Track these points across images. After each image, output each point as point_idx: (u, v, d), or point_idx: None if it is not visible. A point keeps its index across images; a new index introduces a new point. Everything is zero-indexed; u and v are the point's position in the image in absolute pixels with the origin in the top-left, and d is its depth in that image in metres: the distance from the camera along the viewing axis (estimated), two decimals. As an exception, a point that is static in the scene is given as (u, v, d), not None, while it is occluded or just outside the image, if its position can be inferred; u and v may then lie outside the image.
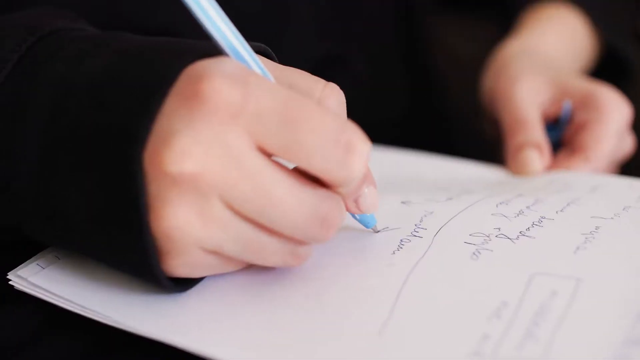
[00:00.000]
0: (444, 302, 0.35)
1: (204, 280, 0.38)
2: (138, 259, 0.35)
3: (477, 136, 0.72)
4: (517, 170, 0.54)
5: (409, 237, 0.40)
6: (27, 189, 0.36)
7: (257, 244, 0.35)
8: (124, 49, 0.37)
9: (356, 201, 0.38)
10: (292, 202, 0.34)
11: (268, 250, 0.36)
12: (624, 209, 0.43)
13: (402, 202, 0.45)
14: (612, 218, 0.41)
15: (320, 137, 0.33)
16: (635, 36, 0.76)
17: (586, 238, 0.39)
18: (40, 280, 0.38)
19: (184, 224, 0.34)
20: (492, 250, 0.38)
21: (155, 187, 0.33)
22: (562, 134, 0.56)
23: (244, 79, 0.34)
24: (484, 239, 0.39)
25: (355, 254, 0.40)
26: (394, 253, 0.39)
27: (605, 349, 0.32)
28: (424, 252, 0.39)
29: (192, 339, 0.34)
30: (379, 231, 0.42)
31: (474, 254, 0.38)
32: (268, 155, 0.34)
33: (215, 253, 0.36)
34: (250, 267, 0.38)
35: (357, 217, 0.41)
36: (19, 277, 0.38)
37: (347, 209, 0.38)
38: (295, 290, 0.37)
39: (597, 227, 0.40)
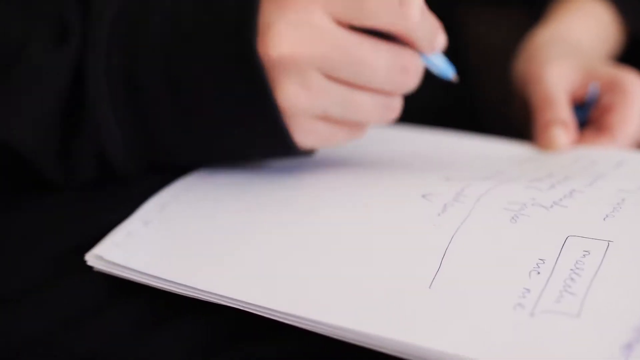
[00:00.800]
0: (487, 258, 0.38)
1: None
2: (274, 132, 0.44)
3: (505, 122, 0.75)
4: (545, 145, 0.56)
5: (452, 202, 0.43)
6: (160, 85, 0.44)
7: (356, 102, 0.44)
8: None
9: (432, 47, 0.46)
10: (374, 58, 0.43)
11: (366, 106, 0.45)
12: None
13: (444, 177, 0.47)
14: (636, 191, 0.44)
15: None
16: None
17: (614, 208, 0.42)
18: (116, 256, 0.41)
19: (292, 97, 0.43)
20: (529, 216, 0.41)
21: (267, 71, 0.42)
22: (588, 115, 0.59)
23: None
24: (521, 206, 0.42)
25: (403, 215, 0.43)
26: (439, 215, 0.42)
27: (636, 304, 0.34)
28: (467, 215, 0.42)
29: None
30: (457, 81, 0.49)
31: (512, 218, 0.41)
32: (347, 27, 0.43)
33: (323, 119, 0.45)
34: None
35: (436, 70, 0.48)
36: (96, 256, 0.41)
37: (426, 52, 0.46)
38: (347, 244, 0.40)
39: (623, 199, 0.43)
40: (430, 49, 0.46)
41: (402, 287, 0.37)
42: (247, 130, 0.45)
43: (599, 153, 0.53)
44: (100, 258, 0.41)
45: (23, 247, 0.45)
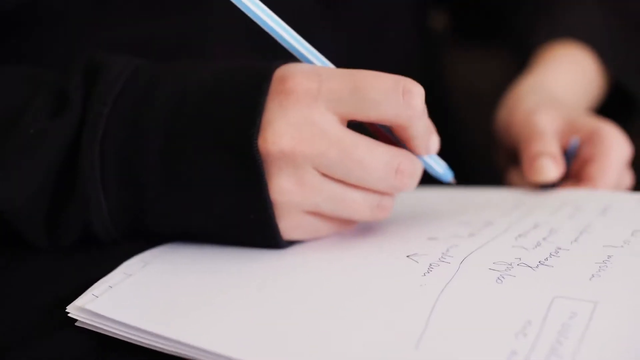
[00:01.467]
0: (473, 319, 0.38)
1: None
2: (264, 226, 0.44)
3: (490, 167, 0.75)
4: (533, 175, 0.56)
5: (437, 262, 0.43)
6: (155, 173, 0.44)
7: (348, 199, 0.44)
8: (218, 66, 0.46)
9: (427, 148, 0.47)
10: (370, 159, 0.43)
11: (357, 204, 0.45)
12: (632, 234, 0.45)
13: (429, 239, 0.47)
14: (622, 246, 0.44)
15: (381, 90, 0.42)
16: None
17: (599, 267, 0.41)
18: (97, 307, 0.40)
19: (286, 191, 0.43)
20: (515, 276, 0.41)
21: (264, 165, 0.42)
22: (569, 168, 0.59)
23: (316, 71, 0.43)
24: (507, 267, 0.42)
25: (387, 275, 0.42)
26: (424, 275, 0.42)
27: None
28: (452, 275, 0.41)
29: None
30: (456, 183, 0.51)
31: (498, 278, 0.41)
32: (345, 123, 0.43)
33: (313, 213, 0.45)
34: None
35: (436, 173, 0.49)
36: (77, 307, 0.41)
37: (422, 155, 0.47)
38: (331, 304, 0.40)
39: (609, 256, 0.43)
40: (425, 148, 0.47)
41: (387, 349, 0.36)
42: (237, 220, 0.45)
43: (584, 197, 0.53)
44: (81, 309, 0.41)
45: (6, 302, 0.44)
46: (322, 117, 0.43)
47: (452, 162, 0.83)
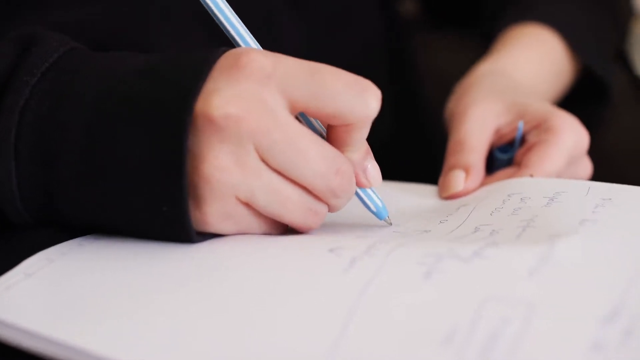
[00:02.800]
0: (394, 325, 0.33)
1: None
2: (173, 205, 0.39)
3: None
4: (441, 190, 0.54)
5: (361, 257, 0.38)
6: (73, 154, 0.40)
7: (283, 195, 0.40)
8: (161, 54, 0.42)
9: (364, 172, 0.43)
10: (314, 152, 0.40)
11: (292, 202, 0.41)
12: (580, 224, 0.41)
13: (357, 237, 0.43)
14: (567, 236, 0.39)
15: (341, 82, 0.39)
16: (616, 56, 0.76)
17: (541, 259, 0.37)
18: None
19: (224, 167, 0.39)
20: (444, 272, 0.36)
21: (202, 134, 0.38)
22: (515, 154, 0.56)
23: (272, 53, 0.40)
24: (436, 259, 0.37)
25: (303, 272, 0.38)
26: (345, 271, 0.37)
27: None
28: (375, 272, 0.37)
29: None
30: (391, 224, 0.46)
31: (425, 274, 0.36)
32: (294, 115, 0.40)
33: (246, 204, 0.40)
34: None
35: (374, 208, 0.45)
36: None
37: (359, 184, 0.43)
38: (240, 305, 0.36)
39: (552, 247, 0.38)
40: (360, 165, 0.43)
41: (297, 353, 0.32)
42: (151, 210, 0.40)
43: (531, 185, 0.49)
44: None
45: None
46: (272, 97, 0.39)
47: (421, 150, 0.80)
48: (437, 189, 0.55)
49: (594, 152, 0.57)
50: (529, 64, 0.65)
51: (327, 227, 0.45)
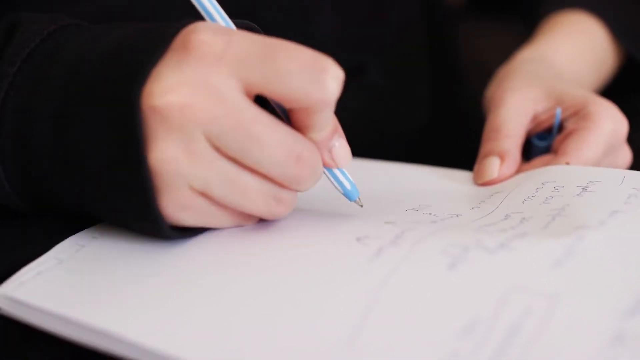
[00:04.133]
0: (415, 315, 0.33)
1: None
2: (138, 193, 0.37)
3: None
4: (476, 177, 0.52)
5: (388, 246, 0.38)
6: (45, 144, 0.39)
7: (241, 184, 0.38)
8: (135, 26, 0.40)
9: (330, 152, 0.40)
10: (269, 138, 0.37)
11: (251, 190, 0.38)
12: (610, 215, 0.40)
13: (386, 222, 0.42)
14: (597, 227, 0.38)
15: (297, 63, 0.36)
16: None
17: (567, 251, 0.36)
18: (21, 294, 0.37)
19: (171, 158, 0.36)
20: (469, 263, 0.36)
21: (147, 125, 0.36)
22: (553, 141, 0.54)
23: (226, 31, 0.37)
24: (462, 250, 0.37)
25: (324, 262, 0.37)
26: (371, 261, 0.37)
27: None
28: (399, 262, 0.36)
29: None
30: (362, 205, 0.43)
31: (450, 265, 0.36)
32: (251, 97, 0.37)
33: (203, 195, 0.38)
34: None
35: (342, 190, 0.42)
36: (1, 295, 0.37)
37: (325, 164, 0.40)
38: (265, 293, 0.35)
39: (580, 238, 0.37)
40: (325, 147, 0.40)
41: (319, 344, 0.32)
42: (113, 190, 0.38)
43: (566, 173, 0.47)
44: (5, 296, 0.37)
45: None
46: (222, 81, 0.36)
47: (459, 137, 0.79)
48: (472, 175, 0.54)
49: (633, 141, 0.55)
50: (570, 51, 0.63)
51: (355, 210, 0.44)
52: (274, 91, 0.37)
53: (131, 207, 0.38)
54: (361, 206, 0.43)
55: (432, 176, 0.53)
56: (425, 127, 0.74)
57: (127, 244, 0.40)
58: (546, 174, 0.48)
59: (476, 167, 0.53)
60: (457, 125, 0.79)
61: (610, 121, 0.51)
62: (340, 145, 0.40)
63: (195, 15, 0.41)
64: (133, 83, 0.36)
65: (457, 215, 0.44)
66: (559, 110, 0.53)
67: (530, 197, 0.45)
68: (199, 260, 0.39)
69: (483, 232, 0.40)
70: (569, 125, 0.53)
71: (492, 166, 0.51)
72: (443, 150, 0.70)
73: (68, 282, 0.38)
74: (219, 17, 0.40)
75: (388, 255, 0.37)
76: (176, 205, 0.38)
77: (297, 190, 0.40)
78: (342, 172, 0.42)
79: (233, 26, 0.40)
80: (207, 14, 0.40)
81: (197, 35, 0.37)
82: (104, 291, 0.37)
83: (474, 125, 0.80)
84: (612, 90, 0.68)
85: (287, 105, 0.38)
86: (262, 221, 0.42)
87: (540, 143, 0.54)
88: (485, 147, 0.53)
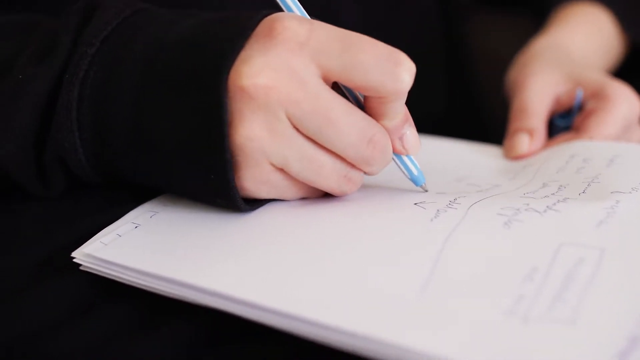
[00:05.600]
0: (480, 264, 0.36)
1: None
2: (217, 174, 0.39)
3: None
4: (507, 151, 0.56)
5: (444, 209, 0.41)
6: (123, 125, 0.41)
7: (317, 161, 0.40)
8: (208, 15, 0.42)
9: (401, 139, 0.42)
10: (345, 121, 0.39)
11: (326, 168, 0.40)
12: None
13: (437, 193, 0.46)
14: (630, 192, 0.42)
15: (374, 54, 0.38)
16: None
17: (607, 213, 0.40)
18: (106, 254, 0.39)
19: (256, 136, 0.39)
20: (522, 221, 0.39)
21: (234, 104, 0.38)
22: (573, 121, 0.58)
23: (309, 20, 0.39)
24: (515, 212, 0.40)
25: (394, 221, 0.41)
26: (431, 220, 0.40)
27: (630, 313, 0.33)
28: (459, 221, 0.40)
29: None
30: (427, 190, 0.45)
31: (505, 223, 0.39)
32: (330, 83, 0.39)
33: (281, 170, 0.40)
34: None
35: (409, 175, 0.45)
36: (84, 254, 0.40)
37: (395, 150, 0.43)
38: (338, 247, 0.39)
39: (617, 201, 0.41)
40: (397, 133, 0.42)
41: (393, 292, 0.35)
42: (192, 166, 0.40)
43: (592, 147, 0.51)
44: (89, 256, 0.40)
45: (9, 249, 0.43)
46: (304, 66, 0.38)
47: (471, 125, 0.83)
48: (500, 150, 0.58)
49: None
50: (582, 39, 0.67)
51: (406, 183, 0.47)
52: (351, 80, 0.39)
53: (209, 185, 0.40)
54: (426, 191, 0.46)
55: (465, 150, 0.57)
56: (442, 113, 0.78)
57: (199, 211, 0.43)
58: (573, 148, 0.52)
59: (506, 142, 0.56)
60: (471, 111, 0.83)
61: (626, 102, 0.55)
62: (411, 134, 0.43)
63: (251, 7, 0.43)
64: (221, 66, 0.38)
65: (497, 185, 0.48)
66: (580, 92, 0.57)
67: (562, 169, 0.49)
68: (277, 221, 0.42)
69: (528, 197, 0.43)
70: (589, 106, 0.57)
71: (522, 142, 0.55)
72: (462, 135, 0.73)
73: (149, 243, 0.40)
74: (297, 9, 0.42)
75: (446, 216, 0.41)
76: (255, 180, 0.40)
77: (366, 172, 0.42)
78: (410, 159, 0.45)
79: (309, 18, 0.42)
80: (285, 6, 0.42)
81: (282, 22, 0.39)
82: (186, 249, 0.40)
83: (485, 112, 0.84)
84: (619, 76, 0.71)
85: (365, 93, 0.40)
86: (327, 195, 0.45)
87: (562, 122, 0.58)
88: (513, 124, 0.57)
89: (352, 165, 0.41)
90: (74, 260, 0.40)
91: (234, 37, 0.39)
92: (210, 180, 0.40)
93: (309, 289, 0.36)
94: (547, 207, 0.41)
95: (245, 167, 0.40)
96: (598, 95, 0.56)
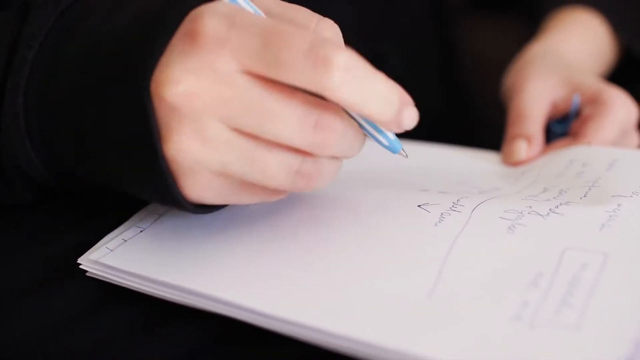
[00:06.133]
0: (485, 269, 0.36)
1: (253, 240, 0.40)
2: (158, 182, 0.37)
3: (501, 134, 0.74)
4: (505, 157, 0.56)
5: (448, 212, 0.41)
6: (65, 134, 0.40)
7: (261, 160, 0.37)
8: (139, 6, 0.40)
9: (399, 124, 0.37)
10: (281, 109, 0.36)
11: (272, 166, 0.37)
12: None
13: (439, 192, 0.46)
14: (631, 196, 0.42)
15: (296, 50, 0.35)
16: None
17: (610, 216, 0.40)
18: (110, 260, 0.40)
19: (186, 147, 0.36)
20: (525, 225, 0.39)
21: (160, 117, 0.36)
22: (570, 126, 0.58)
23: (231, 14, 0.36)
24: (518, 215, 0.40)
25: (398, 227, 0.41)
26: (436, 225, 0.40)
27: (635, 316, 0.33)
28: (463, 226, 0.40)
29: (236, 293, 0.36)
30: (406, 155, 0.41)
31: (509, 228, 0.39)
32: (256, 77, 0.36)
33: (223, 175, 0.37)
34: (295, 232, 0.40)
35: (384, 144, 0.40)
36: (90, 261, 0.40)
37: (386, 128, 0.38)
38: (340, 260, 0.38)
39: (619, 205, 0.41)
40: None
41: (400, 297, 0.35)
42: (133, 176, 0.39)
43: (590, 152, 0.51)
44: (95, 262, 0.40)
45: (14, 252, 0.43)
46: (226, 65, 0.35)
47: (462, 127, 0.83)
48: (498, 156, 0.58)
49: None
50: (578, 44, 0.67)
51: (406, 184, 0.47)
52: (276, 78, 0.36)
53: (154, 192, 0.39)
54: (406, 156, 0.41)
55: (463, 156, 0.57)
56: (437, 114, 0.78)
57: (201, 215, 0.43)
58: (572, 153, 0.52)
59: (505, 148, 0.57)
60: (464, 113, 0.83)
61: (623, 107, 0.56)
62: (412, 112, 0.38)
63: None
64: (142, 76, 0.36)
65: (498, 189, 0.48)
66: (577, 97, 0.57)
67: (561, 173, 0.49)
68: (282, 228, 0.42)
69: (530, 199, 0.43)
70: (586, 111, 0.57)
71: (520, 148, 0.55)
72: (455, 136, 0.74)
73: (155, 248, 0.40)
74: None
75: (450, 220, 0.40)
76: (196, 188, 0.38)
77: (332, 157, 0.39)
78: (375, 127, 0.40)
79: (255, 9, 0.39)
80: None
81: (202, 20, 0.36)
82: (192, 255, 0.40)
83: (475, 113, 0.85)
84: (613, 81, 0.72)
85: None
86: (331, 203, 0.44)
87: (558, 128, 0.58)
88: (511, 130, 0.57)
89: (306, 155, 0.38)
90: (80, 266, 0.40)
91: (157, 37, 0.37)
92: (154, 188, 0.38)
93: (315, 297, 0.36)
94: (550, 210, 0.41)
95: (182, 177, 0.37)
96: (595, 101, 0.56)
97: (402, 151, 0.41)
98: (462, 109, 0.83)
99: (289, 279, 0.37)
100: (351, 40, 0.66)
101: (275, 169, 0.37)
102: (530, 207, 0.41)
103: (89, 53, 0.39)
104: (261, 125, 0.36)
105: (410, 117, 0.38)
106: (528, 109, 0.57)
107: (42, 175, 0.43)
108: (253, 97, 0.36)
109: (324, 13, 0.65)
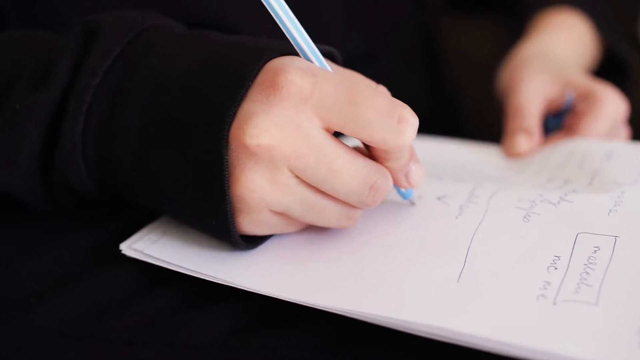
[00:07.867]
0: (507, 256, 0.39)
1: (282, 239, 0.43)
2: (218, 222, 0.39)
3: (483, 131, 0.78)
4: (507, 150, 0.59)
5: (466, 204, 0.44)
6: (127, 165, 0.41)
7: (319, 206, 0.40)
8: (212, 47, 0.41)
9: (406, 176, 0.42)
10: (347, 171, 0.39)
11: (327, 212, 0.41)
12: (638, 174, 0.47)
13: (454, 180, 0.48)
14: (632, 183, 0.45)
15: (376, 111, 0.38)
16: (633, 39, 0.83)
17: (615, 202, 0.43)
18: (154, 251, 0.42)
19: (257, 187, 0.38)
20: (539, 214, 0.42)
21: (235, 157, 0.38)
22: (563, 121, 0.62)
23: (312, 72, 0.38)
24: (531, 204, 0.43)
25: (422, 222, 0.44)
26: (457, 217, 0.43)
27: None
28: (482, 216, 0.43)
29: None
30: (414, 204, 0.46)
31: (524, 217, 0.42)
32: (331, 131, 0.39)
33: (281, 214, 0.40)
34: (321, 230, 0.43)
35: (400, 193, 0.45)
36: (134, 249, 0.42)
37: (396, 183, 0.43)
38: (371, 259, 0.41)
39: (622, 192, 0.44)
40: (402, 174, 0.42)
41: (433, 282, 0.38)
42: (195, 213, 0.41)
43: (588, 144, 0.55)
44: (139, 252, 0.42)
45: (58, 240, 0.45)
46: (307, 121, 0.38)
47: (445, 126, 0.86)
48: (498, 149, 0.61)
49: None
50: (564, 44, 0.71)
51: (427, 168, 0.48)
52: (354, 135, 0.39)
53: (209, 227, 0.41)
54: (413, 204, 0.46)
55: (465, 149, 0.60)
56: (424, 110, 0.80)
57: None
58: (570, 145, 0.55)
59: (506, 141, 0.59)
60: (450, 109, 0.87)
61: (614, 103, 0.59)
62: (416, 169, 0.43)
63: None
64: (222, 123, 0.38)
65: (507, 178, 0.51)
66: (571, 94, 0.61)
67: (563, 164, 0.52)
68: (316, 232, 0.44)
69: (540, 189, 0.46)
70: (579, 107, 0.61)
71: (521, 141, 0.58)
72: (440, 132, 0.77)
73: (189, 241, 0.43)
74: (315, 58, 0.41)
75: (469, 212, 0.44)
76: (254, 224, 0.40)
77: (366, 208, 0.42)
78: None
79: (321, 58, 0.41)
80: (301, 52, 0.41)
81: (285, 75, 0.38)
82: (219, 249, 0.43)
83: (459, 110, 0.88)
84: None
85: (368, 144, 0.40)
86: None
87: (553, 122, 0.62)
88: (511, 124, 0.60)
89: (353, 207, 0.42)
90: (121, 252, 0.42)
91: (235, 87, 0.38)
92: (212, 225, 0.41)
93: (359, 286, 0.39)
94: (560, 198, 0.44)
95: (245, 214, 0.40)
96: (587, 97, 0.60)
97: (412, 199, 0.46)
98: (446, 106, 0.87)
99: (337, 273, 0.40)
100: (338, 35, 0.68)
101: (330, 213, 0.41)
102: (542, 194, 0.44)
103: (155, 90, 0.40)
104: (326, 180, 0.39)
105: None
106: (526, 105, 0.60)
107: (90, 191, 0.44)
108: (326, 156, 0.38)
109: (314, 11, 0.67)
